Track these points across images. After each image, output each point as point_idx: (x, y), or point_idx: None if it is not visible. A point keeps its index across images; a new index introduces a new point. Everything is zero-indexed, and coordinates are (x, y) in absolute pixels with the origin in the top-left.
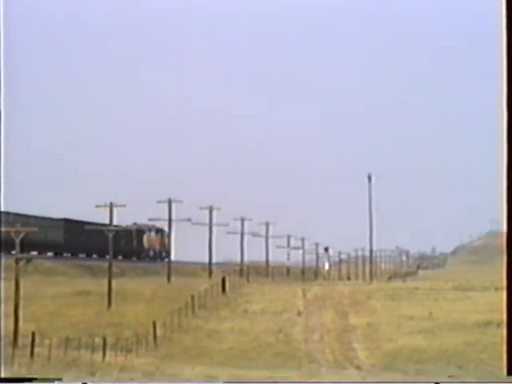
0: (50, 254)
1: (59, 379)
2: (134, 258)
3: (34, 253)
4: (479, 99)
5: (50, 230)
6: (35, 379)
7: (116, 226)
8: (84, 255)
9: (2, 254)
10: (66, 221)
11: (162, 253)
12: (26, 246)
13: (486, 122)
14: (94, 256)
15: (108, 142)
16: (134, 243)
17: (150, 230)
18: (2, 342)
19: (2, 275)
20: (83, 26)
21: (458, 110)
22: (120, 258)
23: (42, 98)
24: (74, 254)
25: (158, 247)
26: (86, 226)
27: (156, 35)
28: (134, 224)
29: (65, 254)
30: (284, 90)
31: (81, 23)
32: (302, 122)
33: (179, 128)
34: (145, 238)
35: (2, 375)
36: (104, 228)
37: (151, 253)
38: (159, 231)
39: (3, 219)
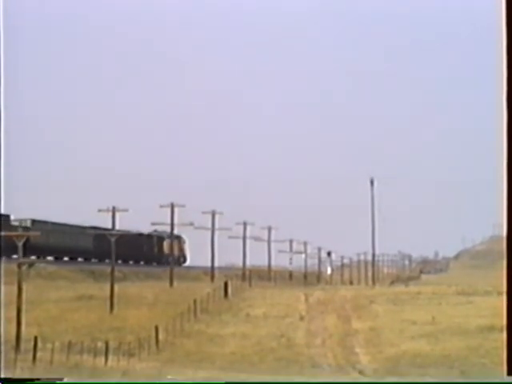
0: (80, 259)
1: (60, 379)
2: (155, 264)
3: (66, 258)
4: (480, 100)
5: (80, 237)
6: (38, 379)
7: (139, 233)
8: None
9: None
10: (95, 228)
11: (180, 258)
12: (58, 251)
13: (488, 124)
14: (119, 261)
15: (108, 143)
16: (155, 249)
17: (168, 237)
18: (3, 347)
19: (3, 280)
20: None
21: (459, 110)
22: (142, 263)
23: (42, 98)
24: (101, 260)
25: (176, 253)
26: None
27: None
28: (155, 231)
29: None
30: (282, 91)
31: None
32: (301, 123)
33: (178, 128)
34: (165, 244)
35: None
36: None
37: (170, 258)
38: (177, 238)
39: (42, 228)
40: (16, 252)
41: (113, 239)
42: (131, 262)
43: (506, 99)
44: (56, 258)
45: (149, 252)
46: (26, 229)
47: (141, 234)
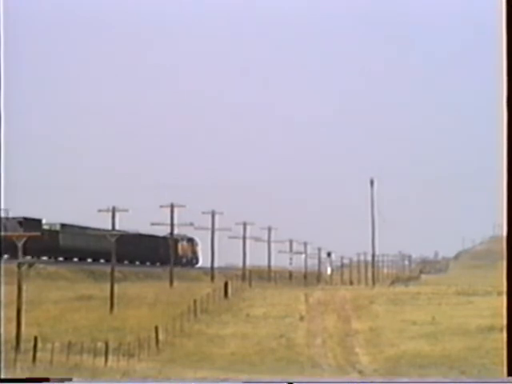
0: (102, 260)
1: (69, 379)
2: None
3: (90, 260)
4: (480, 101)
5: (103, 240)
6: (47, 379)
7: (156, 235)
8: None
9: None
10: (118, 231)
11: (193, 260)
12: (84, 253)
13: (487, 125)
14: (137, 263)
15: (108, 143)
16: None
17: (182, 239)
18: (3, 348)
19: (3, 280)
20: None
21: (460, 111)
22: (158, 264)
23: (41, 95)
24: (120, 261)
25: (189, 255)
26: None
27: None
28: (169, 234)
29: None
30: (283, 88)
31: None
32: (301, 124)
33: (177, 128)
34: (179, 246)
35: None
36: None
37: (184, 260)
38: (190, 240)
39: (70, 232)
40: (50, 253)
41: (113, 239)
42: (148, 263)
43: (506, 99)
44: (80, 259)
45: (165, 254)
46: (55, 232)
47: (157, 237)
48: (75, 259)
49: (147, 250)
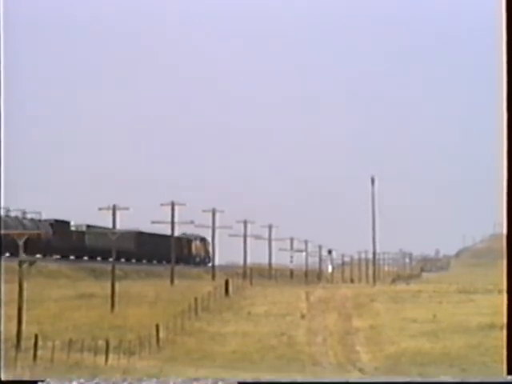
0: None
1: (42, 381)
2: (182, 264)
3: (110, 259)
4: (480, 100)
5: (124, 240)
6: (42, 381)
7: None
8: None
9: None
10: (137, 232)
11: (206, 259)
12: (105, 252)
13: (488, 123)
14: (154, 262)
15: (107, 142)
16: (185, 251)
17: (195, 239)
18: (3, 346)
19: (4, 278)
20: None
21: (460, 110)
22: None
23: (41, 98)
24: (139, 260)
25: (202, 254)
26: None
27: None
28: (183, 234)
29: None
30: (283, 87)
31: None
32: (301, 123)
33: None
34: (193, 246)
35: (3, 378)
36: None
37: (197, 259)
38: (203, 240)
39: (94, 232)
40: (77, 252)
41: (114, 238)
42: (164, 262)
43: (506, 99)
44: (103, 258)
45: (179, 253)
46: (81, 233)
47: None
48: (98, 258)
49: (164, 250)
